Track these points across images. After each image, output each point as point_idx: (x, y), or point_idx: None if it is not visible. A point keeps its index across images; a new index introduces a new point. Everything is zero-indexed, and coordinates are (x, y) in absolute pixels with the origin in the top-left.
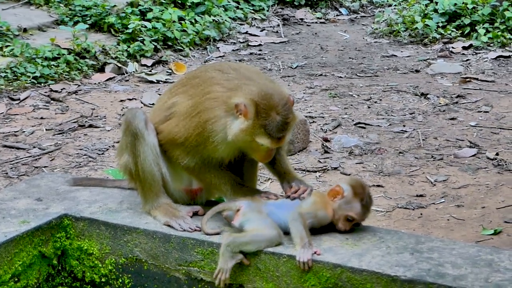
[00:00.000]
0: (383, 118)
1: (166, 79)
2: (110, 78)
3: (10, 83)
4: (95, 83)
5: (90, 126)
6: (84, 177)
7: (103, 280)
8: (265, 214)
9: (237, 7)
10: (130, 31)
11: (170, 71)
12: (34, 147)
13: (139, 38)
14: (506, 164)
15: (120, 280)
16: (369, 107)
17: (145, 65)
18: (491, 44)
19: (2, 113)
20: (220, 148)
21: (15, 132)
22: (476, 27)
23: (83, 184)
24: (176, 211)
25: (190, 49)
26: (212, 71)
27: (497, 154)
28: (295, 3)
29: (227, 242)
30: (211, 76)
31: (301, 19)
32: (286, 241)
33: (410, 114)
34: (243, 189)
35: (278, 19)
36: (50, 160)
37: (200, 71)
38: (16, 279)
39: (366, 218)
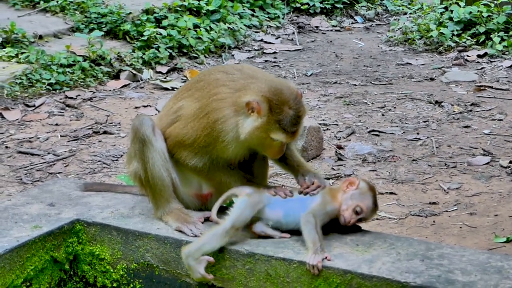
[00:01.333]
0: (397, 126)
1: (180, 86)
2: (125, 85)
3: (26, 90)
4: (110, 90)
5: (105, 132)
6: (95, 182)
7: (114, 285)
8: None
9: (253, 15)
10: (145, 38)
11: (185, 78)
12: (48, 153)
13: (154, 45)
14: None
15: (132, 285)
16: (383, 115)
17: (160, 72)
18: (506, 53)
19: (17, 119)
20: (230, 147)
21: (30, 138)
22: (491, 36)
23: (94, 189)
24: (188, 216)
25: (205, 57)
26: (216, 73)
27: (510, 162)
28: (310, 11)
29: (185, 254)
30: (216, 78)
31: (316, 27)
32: (294, 243)
33: (424, 122)
34: (254, 186)
35: (293, 27)
36: (65, 166)
37: (204, 74)
38: (28, 284)
39: (371, 219)
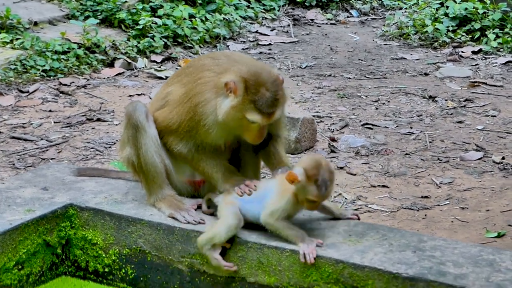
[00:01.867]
0: (390, 120)
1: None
2: (120, 73)
3: (20, 76)
4: (104, 78)
5: (98, 120)
6: (89, 167)
7: (106, 270)
8: (235, 205)
9: (248, 6)
10: (140, 27)
11: (179, 67)
12: (41, 139)
13: (149, 34)
14: (511, 168)
15: (123, 271)
16: (377, 109)
17: (154, 61)
18: (501, 50)
19: (11, 105)
20: (212, 131)
21: (23, 124)
22: (486, 32)
23: (87, 174)
24: (181, 203)
25: (200, 47)
26: (205, 59)
27: (503, 158)
28: (306, 3)
29: (199, 244)
30: (203, 64)
31: (312, 19)
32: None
33: (418, 116)
34: (233, 178)
35: (289, 19)
36: (58, 153)
37: (194, 60)
38: (20, 267)
39: (329, 195)
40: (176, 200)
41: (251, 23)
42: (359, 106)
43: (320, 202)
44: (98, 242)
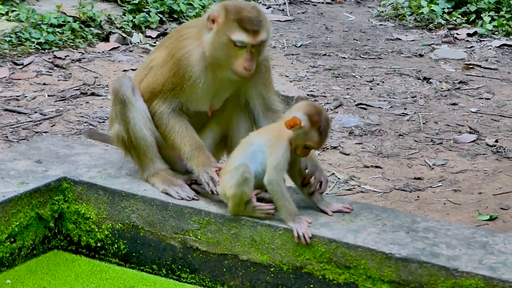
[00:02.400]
0: (384, 100)
1: None
2: (114, 48)
3: (14, 48)
4: (99, 52)
5: (92, 94)
6: (98, 132)
7: (98, 244)
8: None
9: None
10: (136, 1)
11: None
12: (35, 112)
13: (145, 10)
14: (505, 152)
15: (116, 246)
16: (371, 89)
17: (150, 36)
18: (496, 32)
19: (5, 77)
20: (199, 82)
21: (17, 96)
22: (481, 15)
23: (95, 138)
24: (174, 179)
25: None
26: (187, 23)
27: (496, 141)
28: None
29: (235, 213)
30: (186, 25)
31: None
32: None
33: (412, 97)
34: (200, 158)
35: None
36: (51, 126)
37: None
38: (12, 240)
39: (324, 143)
40: (170, 175)
41: (248, 0)
42: (354, 86)
43: (318, 147)
44: (91, 217)
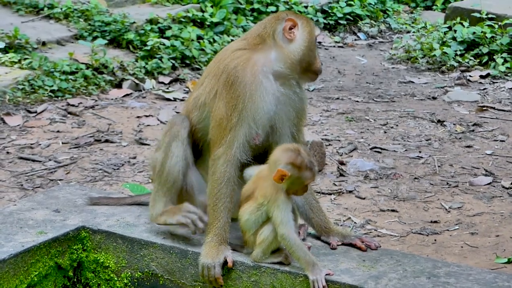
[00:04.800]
0: (399, 144)
1: (183, 97)
2: (127, 94)
3: (28, 96)
4: (112, 99)
5: (106, 141)
6: (102, 196)
7: None
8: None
9: None
10: (148, 48)
11: (187, 89)
12: (49, 160)
13: (157, 56)
14: None
15: None
16: (385, 132)
17: (162, 82)
18: (509, 74)
19: (19, 125)
20: (262, 92)
21: (31, 144)
22: (494, 57)
23: (100, 203)
24: (182, 206)
25: None
26: (224, 48)
27: None
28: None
29: (257, 260)
30: (225, 49)
31: (319, 42)
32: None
33: (426, 140)
34: (213, 249)
35: None
36: (66, 174)
37: None
38: None
39: (317, 172)
40: (177, 208)
41: None
42: (368, 129)
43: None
44: (110, 265)
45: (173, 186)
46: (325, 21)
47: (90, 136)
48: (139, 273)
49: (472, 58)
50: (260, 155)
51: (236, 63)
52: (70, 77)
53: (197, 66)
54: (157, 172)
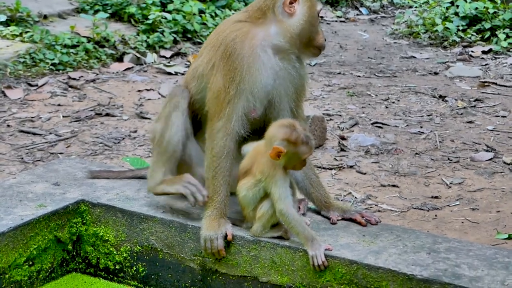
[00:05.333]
0: (400, 119)
1: (184, 71)
2: (129, 68)
3: (29, 69)
4: (113, 72)
5: (107, 114)
6: (102, 169)
7: (117, 267)
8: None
9: None
10: (150, 22)
11: (188, 63)
12: (50, 133)
13: (159, 29)
14: None
15: (135, 268)
16: (386, 107)
17: (163, 56)
18: (511, 49)
19: (20, 98)
20: (260, 65)
21: (32, 117)
22: (496, 32)
23: (101, 176)
24: (183, 177)
25: None
26: (226, 20)
27: None
28: None
29: (257, 234)
30: (227, 20)
31: (321, 17)
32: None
33: (428, 115)
34: (215, 221)
35: None
36: (66, 147)
37: None
38: (30, 263)
39: (314, 145)
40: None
41: None
42: (369, 104)
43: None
44: (110, 239)
45: (172, 156)
46: None
47: (91, 110)
48: (138, 247)
49: (474, 33)
50: (259, 129)
51: (235, 35)
52: (71, 50)
53: (199, 40)
54: (156, 142)
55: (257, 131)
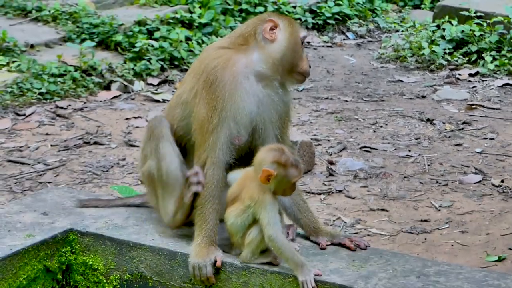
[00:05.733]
0: (388, 143)
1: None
2: (116, 96)
3: (16, 99)
4: (101, 101)
5: (95, 143)
6: (91, 198)
7: None
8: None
9: None
10: (137, 49)
11: (175, 90)
12: (38, 162)
13: (146, 57)
14: (511, 191)
15: None
16: (374, 131)
17: (151, 84)
18: (498, 72)
19: (8, 128)
20: (242, 92)
21: (20, 147)
22: (483, 55)
23: (89, 205)
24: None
25: None
26: (209, 46)
27: (502, 181)
28: (302, 26)
29: (246, 261)
30: (209, 47)
31: (308, 42)
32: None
33: (416, 139)
34: (204, 249)
35: None
36: (55, 176)
37: None
38: None
39: (303, 169)
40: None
41: None
42: (357, 129)
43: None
44: (99, 268)
45: (176, 185)
46: (313, 21)
47: (79, 139)
48: (128, 275)
49: (461, 56)
50: (246, 156)
51: (217, 63)
52: (58, 79)
53: (186, 68)
54: (156, 179)
55: (243, 158)
